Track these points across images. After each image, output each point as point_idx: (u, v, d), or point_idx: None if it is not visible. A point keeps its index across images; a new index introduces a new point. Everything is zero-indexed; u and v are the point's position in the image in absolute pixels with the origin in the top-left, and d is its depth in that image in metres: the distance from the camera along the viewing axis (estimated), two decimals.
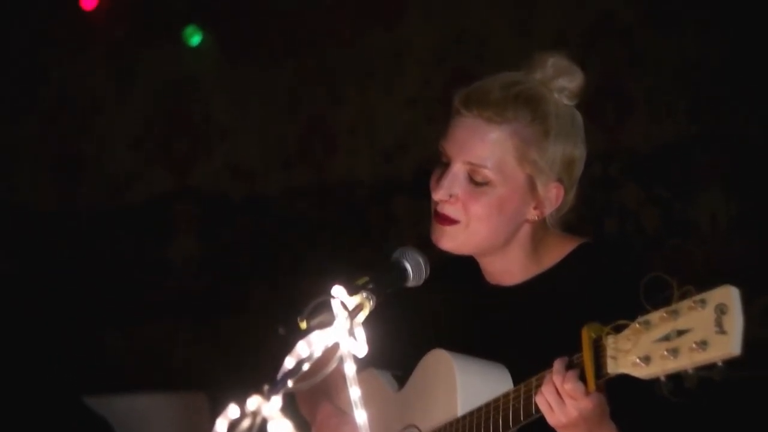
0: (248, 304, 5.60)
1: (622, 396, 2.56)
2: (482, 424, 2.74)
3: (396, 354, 3.13)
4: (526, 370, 2.67)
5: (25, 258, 6.05)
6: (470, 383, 2.85)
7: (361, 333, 2.48)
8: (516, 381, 2.76)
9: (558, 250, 2.93)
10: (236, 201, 5.84)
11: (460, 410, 2.83)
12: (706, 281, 4.88)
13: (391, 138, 5.29)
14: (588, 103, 5.06)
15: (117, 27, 5.90)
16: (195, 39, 5.82)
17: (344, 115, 5.65)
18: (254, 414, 2.05)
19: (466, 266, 3.00)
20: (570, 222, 2.98)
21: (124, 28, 5.92)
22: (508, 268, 2.95)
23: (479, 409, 2.77)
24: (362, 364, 3.20)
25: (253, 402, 2.05)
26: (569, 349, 2.53)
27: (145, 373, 5.86)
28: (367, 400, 3.18)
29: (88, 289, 5.94)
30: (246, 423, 2.04)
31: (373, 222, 3.11)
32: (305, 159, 5.71)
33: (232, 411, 2.06)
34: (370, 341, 2.70)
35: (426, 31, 5.54)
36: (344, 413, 3.08)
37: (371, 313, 2.63)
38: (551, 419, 2.57)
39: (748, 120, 5.00)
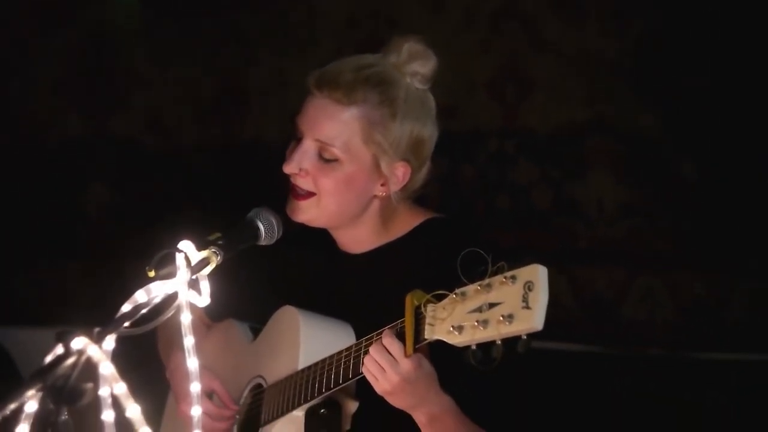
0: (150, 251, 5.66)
1: (444, 364, 2.73)
2: (316, 379, 2.90)
3: (253, 307, 3.30)
4: (368, 331, 2.82)
5: None
6: (313, 339, 3.01)
7: (205, 285, 2.63)
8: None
9: (406, 222, 3.10)
10: (149, 152, 5.90)
11: (301, 364, 2.99)
12: (586, 261, 5.08)
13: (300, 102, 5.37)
14: (489, 82, 5.28)
15: None
16: None
17: (258, 76, 5.73)
18: (80, 353, 2.18)
19: (321, 233, 3.15)
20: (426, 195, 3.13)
21: None
22: (358, 239, 3.12)
23: (316, 365, 2.93)
24: (223, 316, 3.40)
25: (79, 342, 2.18)
26: (403, 314, 2.68)
27: (46, 310, 5.93)
28: (223, 349, 3.37)
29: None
30: (70, 361, 2.16)
31: (277, 183, 3.23)
32: (218, 117, 5.79)
33: (59, 349, 2.19)
34: (229, 294, 2.87)
35: (340, 2, 5.62)
36: None
37: (230, 267, 2.79)
38: (377, 387, 2.73)
39: (641, 110, 5.12)
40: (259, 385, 3.17)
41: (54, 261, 5.98)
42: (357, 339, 2.95)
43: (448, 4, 5.44)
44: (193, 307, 2.56)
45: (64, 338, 2.17)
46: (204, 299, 2.62)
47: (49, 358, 2.20)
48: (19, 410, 2.18)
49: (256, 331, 3.32)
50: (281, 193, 3.12)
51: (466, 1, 5.42)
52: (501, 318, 2.41)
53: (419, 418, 2.80)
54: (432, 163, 3.08)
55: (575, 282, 5.19)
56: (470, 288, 2.50)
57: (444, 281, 2.57)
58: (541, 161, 5.24)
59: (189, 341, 2.51)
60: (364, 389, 2.83)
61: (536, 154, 5.26)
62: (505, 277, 2.44)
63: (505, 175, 5.28)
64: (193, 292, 2.57)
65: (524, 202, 5.26)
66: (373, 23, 5.54)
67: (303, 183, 3.01)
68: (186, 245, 2.60)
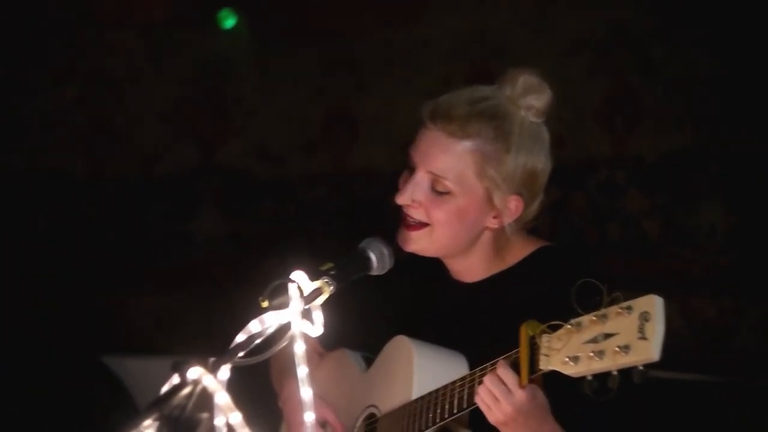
0: (261, 280, 5.71)
1: (558, 394, 2.71)
2: (430, 409, 2.90)
3: (366, 336, 3.30)
4: (481, 360, 2.81)
5: (55, 222, 6.22)
6: (427, 369, 3.00)
7: (318, 315, 2.65)
8: (472, 369, 2.89)
9: (519, 251, 3.08)
10: (259, 181, 5.96)
11: (415, 394, 2.98)
12: (698, 289, 5.00)
13: (410, 130, 5.39)
14: (598, 110, 5.24)
15: (156, 8, 6.04)
16: (229, 22, 5.95)
17: (367, 104, 5.75)
18: (195, 383, 2.20)
19: (433, 261, 3.14)
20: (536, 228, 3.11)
21: (164, 9, 6.05)
22: (470, 268, 3.11)
23: (430, 394, 2.93)
24: (336, 345, 3.41)
25: (195, 372, 2.20)
26: (516, 344, 2.67)
27: (162, 339, 6.01)
28: (336, 379, 3.38)
29: (113, 255, 6.11)
30: (186, 391, 2.18)
31: (388, 211, 3.23)
32: (327, 145, 5.83)
33: (175, 379, 2.21)
34: (342, 323, 2.88)
35: (447, 28, 5.63)
36: None
37: (344, 298, 2.81)
38: (490, 416, 2.72)
39: (753, 137, 5.05)
40: (373, 415, 3.18)
41: (164, 289, 6.05)
42: (470, 368, 2.95)
43: (555, 31, 5.41)
44: (306, 337, 2.57)
45: (180, 368, 2.19)
46: (317, 329, 2.64)
47: (165, 388, 2.22)
48: None
49: (368, 361, 3.33)
50: (390, 221, 3.12)
51: (573, 28, 5.38)
52: (617, 349, 2.40)
53: None
54: (544, 194, 3.06)
55: (687, 310, 5.12)
56: (585, 318, 2.49)
57: (558, 311, 2.56)
58: (651, 190, 5.19)
59: (302, 371, 2.53)
60: (477, 419, 2.82)
61: (646, 183, 5.20)
62: (621, 308, 2.42)
63: (616, 204, 5.23)
64: (306, 322, 2.58)
65: (635, 230, 5.21)
66: (480, 51, 5.53)
67: (415, 213, 3.00)
68: (298, 275, 2.62)
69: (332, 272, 2.71)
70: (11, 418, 5.32)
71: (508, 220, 3.00)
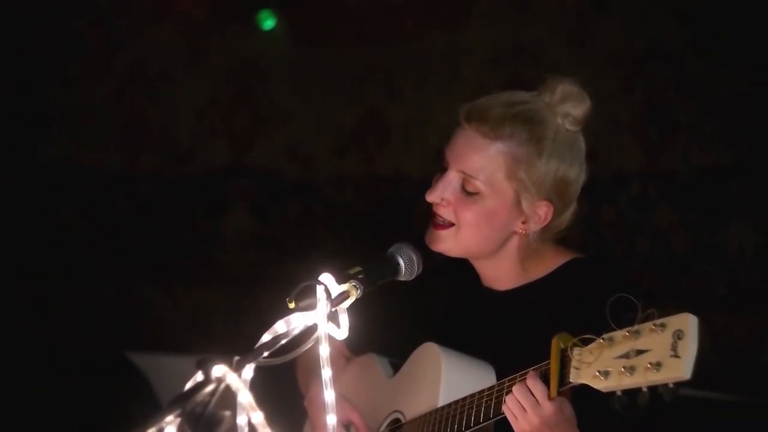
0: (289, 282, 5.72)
1: (585, 408, 2.70)
2: (456, 417, 2.89)
3: (395, 342, 3.30)
4: (509, 371, 2.80)
5: (87, 215, 6.24)
6: (454, 377, 3.00)
7: (344, 318, 2.64)
8: (499, 380, 2.88)
9: (549, 262, 3.06)
10: (288, 182, 5.97)
11: (441, 402, 2.98)
12: (725, 307, 4.98)
13: (442, 138, 5.39)
14: (633, 123, 5.22)
15: (196, 5, 6.06)
16: (268, 23, 5.96)
17: (400, 110, 5.76)
18: (219, 381, 2.19)
19: (465, 267, 3.14)
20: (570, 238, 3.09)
21: (204, 7, 6.08)
22: (499, 275, 3.10)
23: (456, 402, 2.92)
24: (363, 349, 3.40)
25: (219, 370, 2.19)
26: (546, 355, 2.66)
27: (187, 337, 6.03)
28: (362, 383, 3.37)
29: (142, 250, 6.13)
30: (209, 388, 2.18)
31: (416, 217, 3.23)
32: (358, 149, 5.83)
33: (199, 376, 2.21)
34: (369, 328, 2.88)
35: (487, 37, 5.62)
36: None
37: (372, 302, 2.80)
38: (516, 427, 2.72)
39: None
40: (398, 420, 3.17)
41: (192, 287, 6.07)
42: (497, 378, 2.94)
43: (593, 43, 5.40)
44: (332, 340, 2.57)
45: (205, 366, 2.20)
46: (343, 332, 2.64)
47: (188, 385, 2.22)
48: None
49: (396, 366, 3.32)
50: (419, 227, 3.11)
51: (610, 40, 5.37)
52: (649, 365, 2.39)
53: None
54: (577, 204, 3.04)
55: (713, 328, 5.10)
56: (618, 334, 2.48)
57: (590, 325, 2.55)
58: (682, 205, 5.16)
59: (327, 373, 2.54)
60: (503, 429, 2.80)
61: (677, 198, 5.18)
62: (655, 325, 2.42)
63: (646, 218, 5.21)
64: (332, 325, 2.58)
65: (664, 245, 5.18)
66: (517, 60, 5.52)
67: (444, 213, 3.00)
68: (326, 278, 2.62)
69: (360, 276, 2.72)
70: (35, 410, 5.34)
71: (537, 226, 2.99)
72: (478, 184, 2.95)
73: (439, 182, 3.00)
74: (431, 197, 3.00)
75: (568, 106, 2.98)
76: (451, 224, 3.00)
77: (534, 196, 2.95)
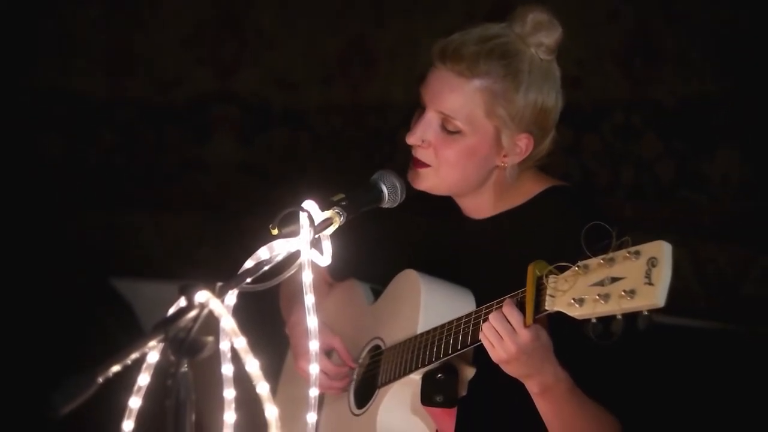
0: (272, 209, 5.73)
1: (562, 336, 2.73)
2: (435, 344, 2.91)
3: (375, 268, 3.33)
4: (488, 297, 2.82)
5: (71, 142, 6.23)
6: (433, 304, 3.02)
7: (327, 245, 2.67)
8: (478, 306, 2.91)
9: (530, 189, 3.08)
10: (275, 110, 5.95)
11: (421, 328, 3.00)
12: (709, 236, 4.99)
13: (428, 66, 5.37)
14: (617, 53, 5.20)
15: None
16: None
17: (386, 38, 5.72)
18: (201, 306, 2.22)
19: (445, 197, 3.15)
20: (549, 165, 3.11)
21: None
22: (480, 206, 3.11)
23: (434, 330, 2.95)
24: (345, 276, 3.44)
25: (202, 296, 2.22)
26: (523, 281, 2.68)
27: (170, 263, 6.04)
28: (344, 309, 3.41)
29: (126, 176, 6.13)
30: (192, 314, 2.20)
31: (401, 146, 3.24)
32: (344, 77, 5.81)
33: (182, 302, 2.23)
34: (351, 254, 2.91)
35: None
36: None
37: (355, 229, 2.83)
38: (493, 354, 2.74)
39: None
40: (378, 347, 3.20)
41: (176, 214, 6.07)
42: (477, 305, 2.97)
43: None
44: (314, 266, 2.60)
45: (187, 291, 2.21)
46: (326, 259, 2.66)
47: (171, 311, 2.24)
48: (140, 360, 2.23)
49: (377, 293, 3.35)
50: (404, 155, 3.13)
51: None
52: (623, 293, 2.40)
53: (532, 388, 2.79)
54: (557, 132, 3.05)
55: (696, 257, 5.12)
56: (593, 261, 2.49)
57: (566, 253, 2.57)
58: (667, 135, 5.16)
59: (309, 300, 2.57)
60: (481, 356, 2.84)
61: (663, 127, 5.17)
62: (629, 252, 2.42)
63: (630, 147, 5.21)
64: (315, 252, 2.60)
65: (648, 174, 5.19)
66: None
67: (423, 155, 3.01)
68: (309, 205, 2.64)
69: (343, 203, 2.74)
70: (17, 335, 5.36)
71: (517, 159, 3.00)
72: (458, 123, 2.95)
73: (418, 124, 2.99)
74: (411, 139, 3.00)
75: (540, 36, 2.97)
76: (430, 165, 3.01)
77: (514, 130, 2.96)
